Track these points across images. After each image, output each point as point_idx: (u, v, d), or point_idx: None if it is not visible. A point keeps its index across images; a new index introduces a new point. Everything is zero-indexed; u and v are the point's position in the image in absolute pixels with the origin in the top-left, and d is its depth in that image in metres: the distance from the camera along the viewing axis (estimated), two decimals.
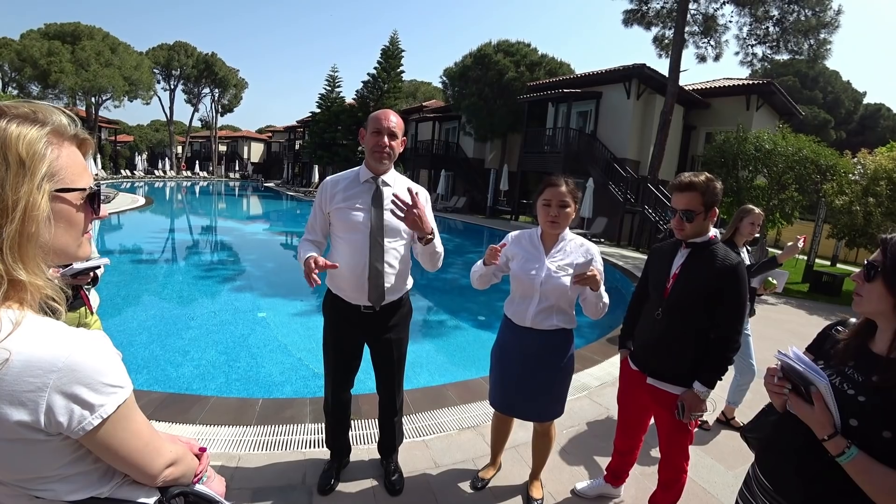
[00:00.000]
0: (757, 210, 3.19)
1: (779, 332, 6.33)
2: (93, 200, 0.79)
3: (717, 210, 1.96)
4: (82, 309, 2.30)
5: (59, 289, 0.74)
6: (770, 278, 3.45)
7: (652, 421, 2.28)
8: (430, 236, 2.05)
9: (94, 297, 2.42)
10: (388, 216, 2.11)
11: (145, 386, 3.76)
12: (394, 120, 2.09)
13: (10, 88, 30.14)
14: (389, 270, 2.15)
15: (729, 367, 1.96)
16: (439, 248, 2.15)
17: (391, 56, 26.35)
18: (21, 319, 0.66)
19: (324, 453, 2.58)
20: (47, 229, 0.70)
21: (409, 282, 2.33)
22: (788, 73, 37.13)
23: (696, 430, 2.12)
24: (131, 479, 0.82)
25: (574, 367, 2.30)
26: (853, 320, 1.29)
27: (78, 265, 2.10)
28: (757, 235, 3.30)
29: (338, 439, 2.46)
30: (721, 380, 1.95)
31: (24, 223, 0.67)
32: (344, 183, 2.18)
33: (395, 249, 2.17)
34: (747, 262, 3.30)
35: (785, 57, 15.88)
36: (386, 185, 2.16)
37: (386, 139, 2.07)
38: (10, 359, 0.63)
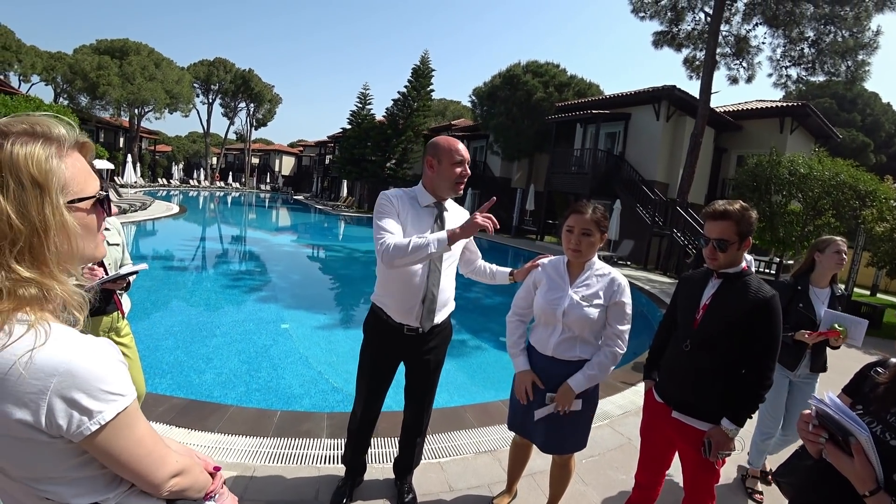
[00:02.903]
0: (838, 238, 2.89)
1: None
2: (103, 203, 0.82)
3: (751, 240, 1.90)
4: (115, 313, 2.37)
5: (82, 296, 0.77)
6: (837, 324, 2.74)
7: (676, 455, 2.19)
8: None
9: (125, 302, 2.50)
10: None
11: (168, 391, 3.84)
12: (465, 148, 2.12)
13: (61, 98, 31.89)
14: (442, 295, 2.16)
15: (760, 404, 1.87)
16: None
17: (422, 75, 26.75)
18: (33, 324, 0.69)
19: (338, 469, 2.57)
20: (67, 239, 0.74)
21: (453, 304, 2.32)
22: (825, 94, 36.11)
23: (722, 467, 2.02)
24: (139, 489, 0.83)
25: (598, 398, 2.22)
26: (894, 360, 1.21)
27: (122, 270, 2.18)
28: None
29: (357, 457, 2.44)
30: (751, 417, 1.87)
31: (47, 236, 0.70)
32: (404, 204, 2.10)
33: (449, 274, 2.19)
34: (825, 307, 2.87)
35: (821, 78, 15.46)
36: (446, 210, 2.18)
37: (468, 168, 2.11)
38: (16, 362, 0.66)
